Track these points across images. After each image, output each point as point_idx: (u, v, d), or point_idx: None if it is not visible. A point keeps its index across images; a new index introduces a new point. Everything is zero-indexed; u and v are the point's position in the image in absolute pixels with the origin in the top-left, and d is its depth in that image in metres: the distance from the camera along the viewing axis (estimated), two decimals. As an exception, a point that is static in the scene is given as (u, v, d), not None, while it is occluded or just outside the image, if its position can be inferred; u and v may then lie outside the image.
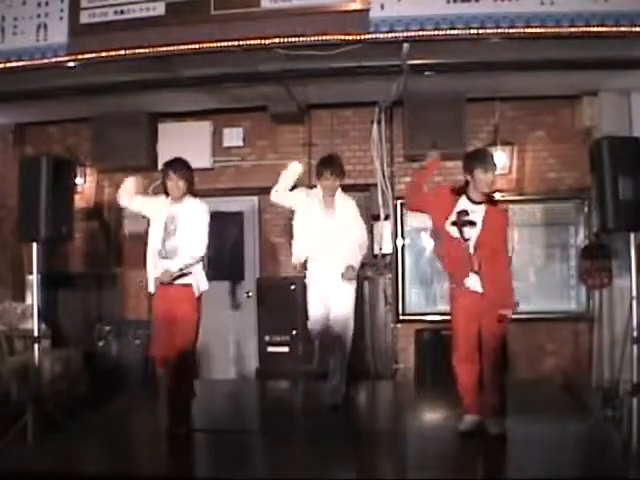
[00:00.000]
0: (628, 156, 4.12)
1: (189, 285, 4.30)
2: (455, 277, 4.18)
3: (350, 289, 4.83)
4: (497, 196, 6.06)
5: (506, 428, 3.99)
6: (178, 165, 4.39)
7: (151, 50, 5.03)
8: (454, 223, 4.07)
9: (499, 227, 4.09)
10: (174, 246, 4.28)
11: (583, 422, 4.39)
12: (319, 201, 4.87)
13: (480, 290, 4.05)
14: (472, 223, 4.05)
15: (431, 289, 6.35)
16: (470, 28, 4.73)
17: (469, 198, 4.10)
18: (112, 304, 6.71)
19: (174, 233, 4.30)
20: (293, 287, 6.00)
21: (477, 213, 4.07)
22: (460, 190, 4.14)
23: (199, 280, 4.37)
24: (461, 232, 4.06)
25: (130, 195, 4.54)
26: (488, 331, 4.04)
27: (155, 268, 4.33)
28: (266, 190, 6.71)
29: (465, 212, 4.07)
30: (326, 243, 4.78)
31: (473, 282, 4.07)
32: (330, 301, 4.82)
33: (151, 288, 4.40)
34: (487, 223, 4.04)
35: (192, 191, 4.43)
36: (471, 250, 4.04)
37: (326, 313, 4.83)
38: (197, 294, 4.33)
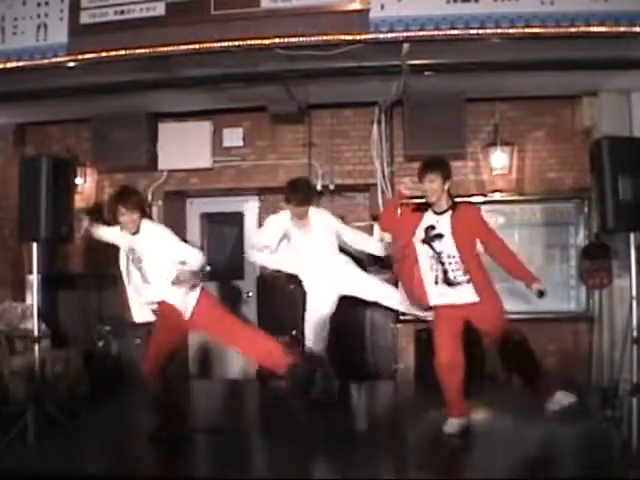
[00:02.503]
0: (628, 156, 4.12)
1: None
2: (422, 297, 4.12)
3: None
4: (497, 196, 6.14)
5: None
6: (127, 197, 4.07)
7: (151, 50, 5.03)
8: (424, 241, 4.04)
9: (471, 226, 4.00)
10: (147, 274, 4.08)
11: (583, 422, 4.39)
12: (290, 220, 4.80)
13: (460, 301, 3.99)
14: (440, 236, 4.00)
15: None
16: (470, 28, 4.74)
17: (433, 210, 4.07)
18: (112, 304, 6.69)
19: (140, 263, 4.07)
20: (293, 287, 6.00)
21: (443, 224, 4.01)
22: (426, 205, 4.10)
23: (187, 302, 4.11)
24: (432, 247, 4.02)
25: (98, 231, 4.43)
26: (487, 326, 4.04)
27: (139, 294, 4.16)
28: (266, 190, 6.78)
29: (432, 227, 4.03)
30: (309, 258, 4.79)
31: (450, 296, 4.02)
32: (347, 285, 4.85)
33: (136, 318, 4.26)
34: (456, 229, 3.98)
35: (144, 214, 4.14)
36: (445, 262, 3.99)
37: (323, 316, 4.85)
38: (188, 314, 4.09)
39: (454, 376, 4.03)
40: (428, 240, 4.02)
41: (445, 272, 4.00)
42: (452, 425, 4.08)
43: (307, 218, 4.77)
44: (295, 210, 4.70)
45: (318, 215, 4.85)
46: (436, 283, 4.04)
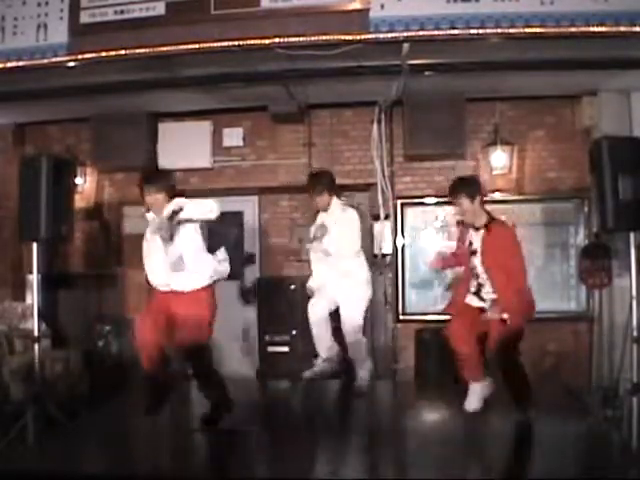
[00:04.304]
0: (628, 156, 4.13)
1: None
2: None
3: (358, 292, 4.92)
4: (497, 196, 6.14)
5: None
6: (152, 177, 4.09)
7: (151, 50, 5.03)
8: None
9: (498, 246, 4.12)
10: (177, 256, 4.05)
11: (583, 422, 4.39)
12: (321, 214, 5.03)
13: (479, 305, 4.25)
14: (475, 252, 4.21)
15: (431, 289, 6.35)
16: (470, 28, 4.74)
17: (473, 227, 4.24)
18: (112, 304, 6.71)
19: (172, 244, 4.02)
20: (293, 287, 6.01)
21: (478, 239, 4.20)
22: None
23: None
24: (470, 261, 4.25)
25: None
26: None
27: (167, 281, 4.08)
28: (266, 190, 6.78)
29: (470, 242, 4.25)
30: (324, 250, 4.88)
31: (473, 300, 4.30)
32: (338, 301, 4.93)
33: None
34: (484, 247, 4.16)
35: (173, 195, 4.05)
36: (480, 277, 4.22)
37: (328, 306, 4.95)
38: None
39: (468, 341, 4.17)
40: (469, 255, 4.26)
41: (480, 286, 4.23)
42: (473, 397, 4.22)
43: (331, 212, 4.93)
44: (315, 200, 4.93)
45: (344, 211, 4.97)
46: (471, 293, 4.29)
